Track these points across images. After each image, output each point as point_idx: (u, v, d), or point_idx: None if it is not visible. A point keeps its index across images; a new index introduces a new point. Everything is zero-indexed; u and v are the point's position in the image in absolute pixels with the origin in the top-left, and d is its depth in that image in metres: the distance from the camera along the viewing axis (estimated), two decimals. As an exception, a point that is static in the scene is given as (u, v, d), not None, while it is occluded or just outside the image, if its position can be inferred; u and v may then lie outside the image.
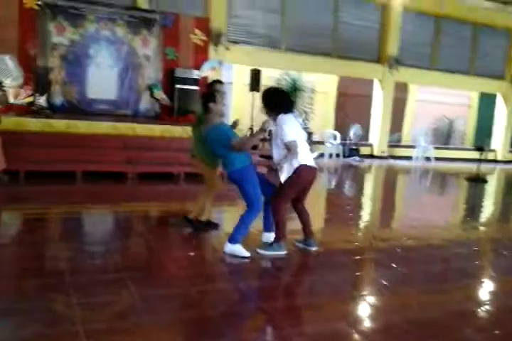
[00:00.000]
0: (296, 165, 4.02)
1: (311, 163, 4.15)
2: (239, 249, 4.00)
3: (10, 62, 8.28)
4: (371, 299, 3.42)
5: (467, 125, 17.37)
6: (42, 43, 9.06)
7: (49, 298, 2.94)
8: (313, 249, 4.34)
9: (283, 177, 4.06)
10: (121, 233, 4.84)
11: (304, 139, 4.18)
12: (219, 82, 4.77)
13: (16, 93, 8.19)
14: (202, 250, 4.41)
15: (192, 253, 4.15)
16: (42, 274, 3.40)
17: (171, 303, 3.05)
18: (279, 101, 4.12)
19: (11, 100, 7.48)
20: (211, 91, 4.34)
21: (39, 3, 8.95)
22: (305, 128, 12.05)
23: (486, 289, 3.84)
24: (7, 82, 7.70)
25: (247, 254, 3.98)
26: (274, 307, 3.14)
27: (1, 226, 4.82)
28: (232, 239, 3.99)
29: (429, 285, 3.75)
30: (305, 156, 4.09)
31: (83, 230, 4.94)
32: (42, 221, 4.87)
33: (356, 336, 2.75)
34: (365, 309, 3.25)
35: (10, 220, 5.16)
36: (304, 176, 4.09)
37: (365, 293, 3.54)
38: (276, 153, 4.10)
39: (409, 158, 13.62)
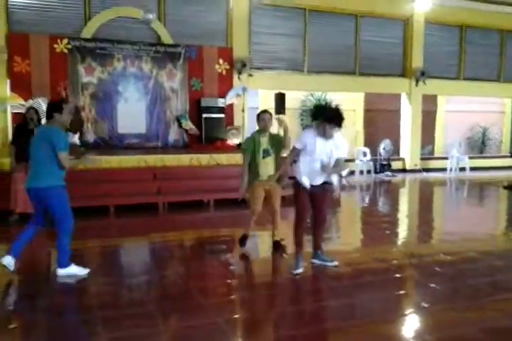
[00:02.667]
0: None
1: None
2: (74, 270, 4.14)
3: (44, 104, 8.73)
4: (407, 320, 3.36)
5: (502, 132, 16.92)
6: (72, 84, 9.48)
7: (86, 333, 3.03)
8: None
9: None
10: (155, 264, 4.93)
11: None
12: (264, 111, 5.03)
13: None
14: (239, 276, 4.42)
15: (228, 281, 4.18)
16: (79, 309, 3.51)
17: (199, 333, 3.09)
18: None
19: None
20: (59, 102, 4.29)
21: (69, 46, 9.41)
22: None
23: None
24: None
25: (86, 271, 4.16)
26: (311, 331, 3.12)
27: (41, 263, 4.99)
28: (62, 264, 4.10)
29: (467, 302, 3.65)
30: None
31: (118, 263, 5.06)
32: (78, 256, 5.02)
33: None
34: (401, 330, 3.19)
35: (50, 256, 5.33)
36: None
37: (401, 313, 3.48)
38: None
39: (443, 169, 13.35)
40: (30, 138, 6.35)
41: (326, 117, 4.13)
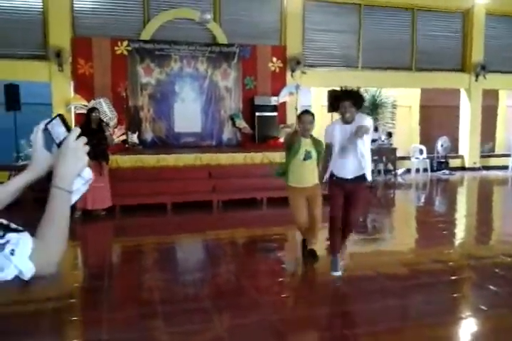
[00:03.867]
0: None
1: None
2: None
3: (104, 104, 9.13)
4: (464, 323, 3.31)
5: None
6: (132, 85, 9.84)
7: (145, 327, 3.20)
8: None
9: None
10: (210, 261, 5.08)
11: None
12: (306, 112, 4.64)
13: (112, 132, 8.95)
14: (290, 275, 4.50)
15: (281, 279, 4.26)
16: (139, 304, 3.70)
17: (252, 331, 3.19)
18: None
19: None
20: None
21: (128, 48, 9.77)
22: (389, 144, 11.85)
23: None
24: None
25: None
26: (364, 332, 3.15)
27: (105, 258, 5.26)
28: None
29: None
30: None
31: (175, 259, 5.26)
32: (138, 252, 5.26)
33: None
34: (457, 333, 3.16)
35: (113, 252, 5.62)
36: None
37: (457, 317, 3.43)
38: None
39: (505, 167, 12.81)
40: (96, 137, 6.68)
41: (338, 98, 4.05)
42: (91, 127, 6.69)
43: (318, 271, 4.54)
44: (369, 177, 4.17)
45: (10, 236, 0.93)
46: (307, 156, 4.43)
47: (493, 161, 13.49)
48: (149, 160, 8.13)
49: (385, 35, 12.14)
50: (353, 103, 3.98)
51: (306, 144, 4.45)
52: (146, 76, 9.94)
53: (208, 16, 9.66)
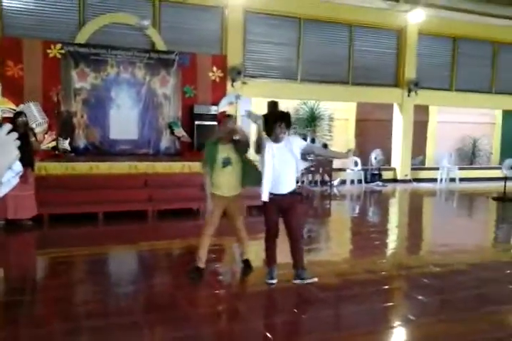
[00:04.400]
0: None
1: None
2: None
3: (34, 108, 8.69)
4: (393, 333, 3.35)
5: (492, 143, 17.07)
6: (65, 89, 9.44)
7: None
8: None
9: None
10: (143, 273, 4.90)
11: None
12: (228, 116, 4.80)
13: (41, 138, 8.52)
14: (225, 287, 4.40)
15: (216, 291, 4.16)
16: (67, 318, 3.47)
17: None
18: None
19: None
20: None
21: (62, 51, 9.39)
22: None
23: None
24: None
25: None
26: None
27: (28, 270, 4.94)
28: None
29: (455, 315, 3.66)
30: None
31: (105, 272, 5.02)
32: (65, 264, 4.98)
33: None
34: (384, 344, 3.19)
35: (37, 264, 5.29)
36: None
37: (387, 326, 3.48)
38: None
39: (434, 180, 13.42)
40: (21, 143, 6.31)
41: (271, 119, 4.20)
42: (17, 132, 6.32)
43: (253, 282, 4.48)
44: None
45: None
46: (226, 163, 4.32)
47: (423, 174, 14.11)
48: (81, 167, 7.80)
49: (323, 49, 12.44)
50: (286, 124, 4.18)
51: (223, 150, 4.34)
52: (80, 81, 9.59)
53: (146, 22, 9.50)
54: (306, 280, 4.25)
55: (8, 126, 1.17)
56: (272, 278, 4.28)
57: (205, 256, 4.41)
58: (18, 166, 1.21)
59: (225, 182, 4.35)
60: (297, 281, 4.25)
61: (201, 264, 4.42)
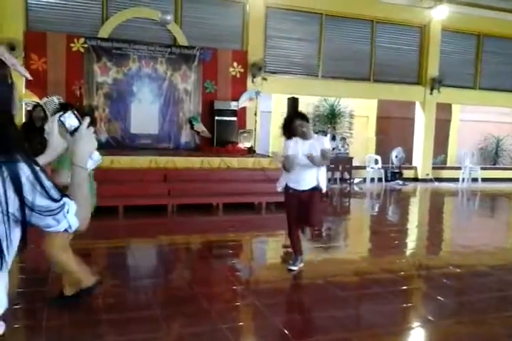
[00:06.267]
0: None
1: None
2: None
3: (57, 102, 8.77)
4: (412, 334, 3.31)
5: (517, 143, 16.75)
6: (88, 83, 9.54)
7: (90, 335, 3.03)
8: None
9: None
10: (162, 267, 4.93)
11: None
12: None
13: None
14: (243, 283, 4.40)
15: (233, 287, 4.16)
16: (83, 311, 3.51)
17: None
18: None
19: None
20: None
21: (85, 45, 9.48)
22: (346, 153, 12.01)
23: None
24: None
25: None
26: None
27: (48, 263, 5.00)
28: None
29: (475, 317, 3.60)
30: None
31: (125, 265, 5.06)
32: (86, 256, 5.03)
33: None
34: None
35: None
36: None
37: (406, 327, 3.44)
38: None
39: (455, 180, 13.22)
40: (37, 137, 6.40)
41: (293, 118, 4.38)
42: (35, 125, 6.41)
43: (273, 279, 4.47)
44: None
45: (65, 199, 1.23)
46: None
47: (445, 173, 13.91)
48: (103, 160, 7.85)
49: (345, 45, 12.33)
50: (303, 119, 4.36)
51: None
52: (103, 75, 9.68)
53: (169, 17, 9.51)
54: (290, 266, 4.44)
55: (87, 120, 1.37)
56: (292, 265, 4.45)
57: None
58: (97, 156, 1.40)
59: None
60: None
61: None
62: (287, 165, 4.33)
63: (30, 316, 3.41)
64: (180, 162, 8.34)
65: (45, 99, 8.70)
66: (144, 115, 9.96)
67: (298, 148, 4.31)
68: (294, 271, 4.43)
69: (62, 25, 9.56)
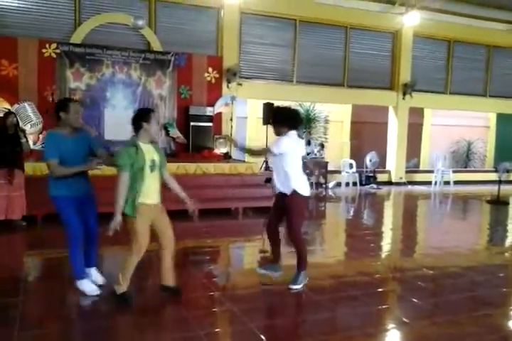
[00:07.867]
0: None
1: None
2: (83, 286, 3.96)
3: (29, 108, 8.65)
4: (387, 335, 3.35)
5: (487, 146, 17.16)
6: (60, 89, 9.40)
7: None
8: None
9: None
10: (136, 274, 4.86)
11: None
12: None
13: (35, 139, 8.47)
14: (220, 288, 4.39)
15: (211, 293, 4.13)
16: (57, 320, 3.45)
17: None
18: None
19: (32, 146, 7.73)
20: (63, 101, 4.10)
21: (57, 51, 9.35)
22: (321, 158, 12.11)
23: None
24: (27, 128, 7.99)
25: (94, 293, 3.91)
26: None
27: (23, 270, 4.90)
28: (74, 276, 4.00)
29: (448, 317, 3.67)
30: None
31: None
32: (56, 265, 4.95)
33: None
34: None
35: (30, 264, 5.26)
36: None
37: (381, 329, 3.47)
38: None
39: (428, 183, 13.45)
40: (10, 144, 6.33)
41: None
42: (7, 133, 6.31)
43: (250, 284, 4.47)
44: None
45: None
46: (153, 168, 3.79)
47: (418, 177, 14.16)
48: (76, 168, 7.74)
49: (319, 51, 12.48)
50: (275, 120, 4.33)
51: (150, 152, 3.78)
52: (76, 81, 9.56)
53: (141, 22, 9.45)
54: (292, 285, 4.23)
55: None
56: (261, 268, 4.46)
57: None
58: None
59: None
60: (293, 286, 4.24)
61: None
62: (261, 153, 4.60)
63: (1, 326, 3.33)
64: (156, 168, 8.25)
65: (16, 106, 8.57)
66: (118, 121, 9.83)
67: (297, 151, 4.23)
68: (261, 274, 4.41)
69: (34, 31, 9.42)
